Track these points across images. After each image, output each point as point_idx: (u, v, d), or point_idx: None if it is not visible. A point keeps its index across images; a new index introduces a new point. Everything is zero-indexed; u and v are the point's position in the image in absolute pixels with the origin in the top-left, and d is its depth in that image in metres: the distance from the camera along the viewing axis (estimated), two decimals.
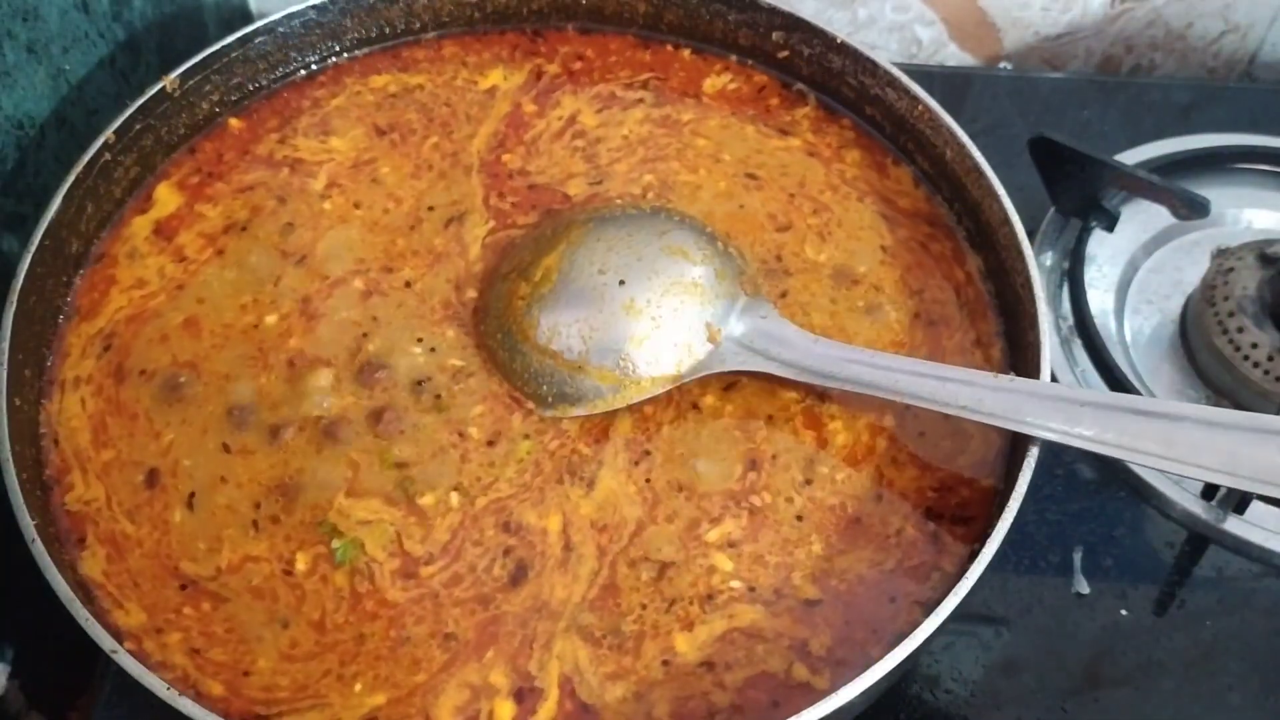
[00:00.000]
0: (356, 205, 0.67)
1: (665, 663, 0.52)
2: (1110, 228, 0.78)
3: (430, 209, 0.67)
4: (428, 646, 0.52)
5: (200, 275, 0.63)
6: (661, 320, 0.58)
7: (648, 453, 0.58)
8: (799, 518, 0.56)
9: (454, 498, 0.56)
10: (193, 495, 0.56)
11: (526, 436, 0.58)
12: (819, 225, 0.66)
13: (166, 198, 0.67)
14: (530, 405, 0.59)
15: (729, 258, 0.62)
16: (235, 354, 0.61)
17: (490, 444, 0.58)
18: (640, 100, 0.72)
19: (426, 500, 0.56)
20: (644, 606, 0.53)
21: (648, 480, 0.57)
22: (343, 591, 0.53)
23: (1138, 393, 0.70)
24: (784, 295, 0.63)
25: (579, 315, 0.59)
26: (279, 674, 0.51)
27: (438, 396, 0.59)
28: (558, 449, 0.58)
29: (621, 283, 0.59)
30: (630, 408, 0.59)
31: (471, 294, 0.63)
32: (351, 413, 0.58)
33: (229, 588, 0.54)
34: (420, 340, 0.61)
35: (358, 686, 0.51)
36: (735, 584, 0.54)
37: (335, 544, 0.54)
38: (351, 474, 0.57)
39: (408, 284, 0.63)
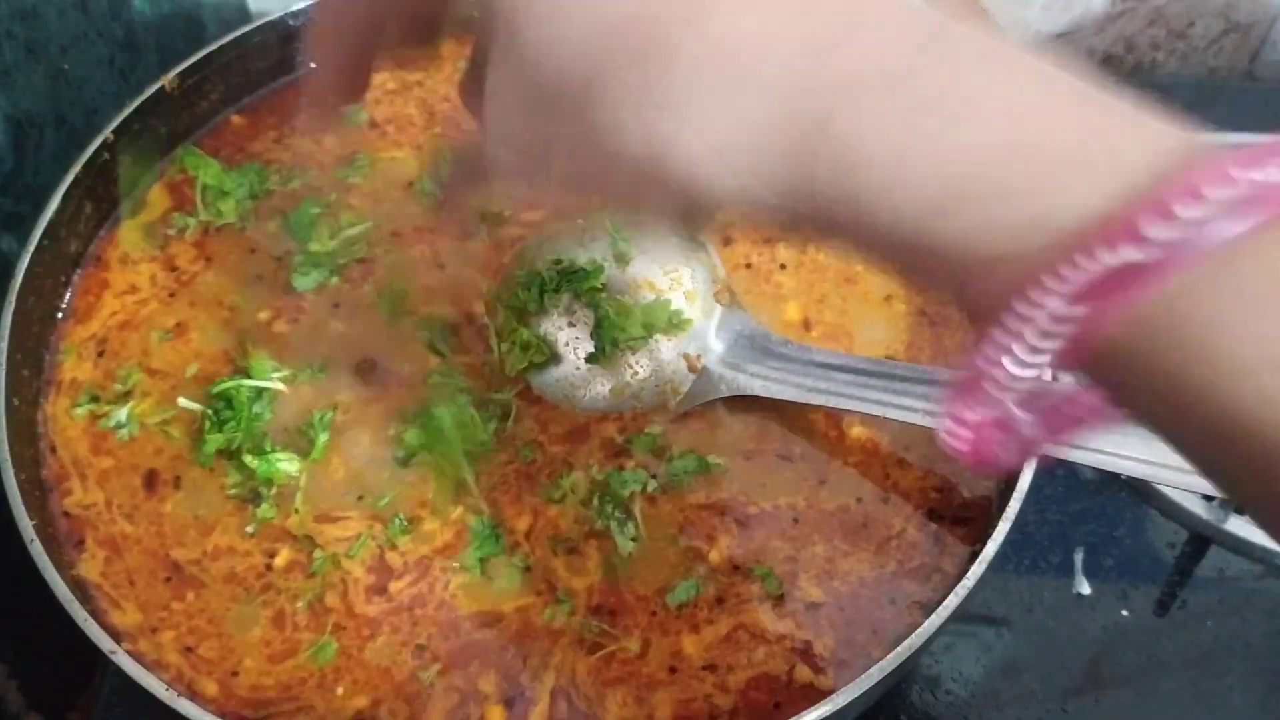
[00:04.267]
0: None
1: (672, 669, 0.52)
2: None
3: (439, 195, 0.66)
4: (400, 653, 0.52)
5: (190, 276, 0.63)
6: (638, 366, 0.58)
7: (626, 451, 0.57)
8: (799, 520, 0.56)
9: (452, 511, 0.56)
10: (178, 478, 0.56)
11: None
12: None
13: (157, 200, 0.66)
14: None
15: (698, 266, 0.61)
16: (225, 357, 0.60)
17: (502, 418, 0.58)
18: None
19: (425, 527, 0.55)
20: (653, 614, 0.53)
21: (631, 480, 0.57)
22: (309, 598, 0.53)
23: None
24: (783, 267, 0.63)
25: (559, 373, 0.58)
26: (263, 674, 0.51)
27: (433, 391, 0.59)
28: (545, 442, 0.58)
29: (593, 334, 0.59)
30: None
31: (479, 285, 0.63)
32: (347, 414, 0.58)
33: (209, 573, 0.54)
34: (423, 337, 0.61)
35: (340, 690, 0.51)
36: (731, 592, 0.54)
37: (316, 554, 0.54)
38: (344, 481, 0.56)
39: (405, 276, 0.63)
